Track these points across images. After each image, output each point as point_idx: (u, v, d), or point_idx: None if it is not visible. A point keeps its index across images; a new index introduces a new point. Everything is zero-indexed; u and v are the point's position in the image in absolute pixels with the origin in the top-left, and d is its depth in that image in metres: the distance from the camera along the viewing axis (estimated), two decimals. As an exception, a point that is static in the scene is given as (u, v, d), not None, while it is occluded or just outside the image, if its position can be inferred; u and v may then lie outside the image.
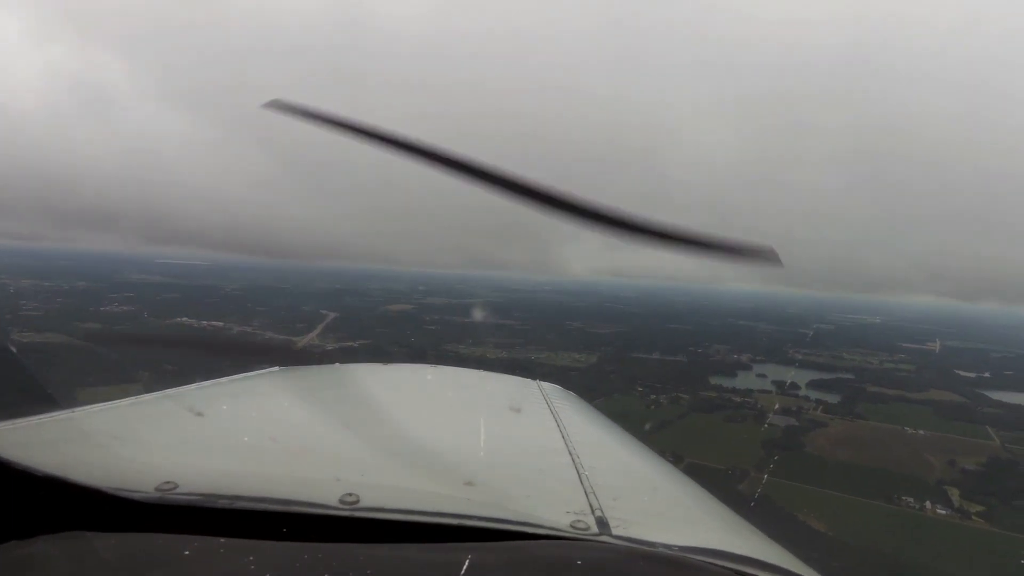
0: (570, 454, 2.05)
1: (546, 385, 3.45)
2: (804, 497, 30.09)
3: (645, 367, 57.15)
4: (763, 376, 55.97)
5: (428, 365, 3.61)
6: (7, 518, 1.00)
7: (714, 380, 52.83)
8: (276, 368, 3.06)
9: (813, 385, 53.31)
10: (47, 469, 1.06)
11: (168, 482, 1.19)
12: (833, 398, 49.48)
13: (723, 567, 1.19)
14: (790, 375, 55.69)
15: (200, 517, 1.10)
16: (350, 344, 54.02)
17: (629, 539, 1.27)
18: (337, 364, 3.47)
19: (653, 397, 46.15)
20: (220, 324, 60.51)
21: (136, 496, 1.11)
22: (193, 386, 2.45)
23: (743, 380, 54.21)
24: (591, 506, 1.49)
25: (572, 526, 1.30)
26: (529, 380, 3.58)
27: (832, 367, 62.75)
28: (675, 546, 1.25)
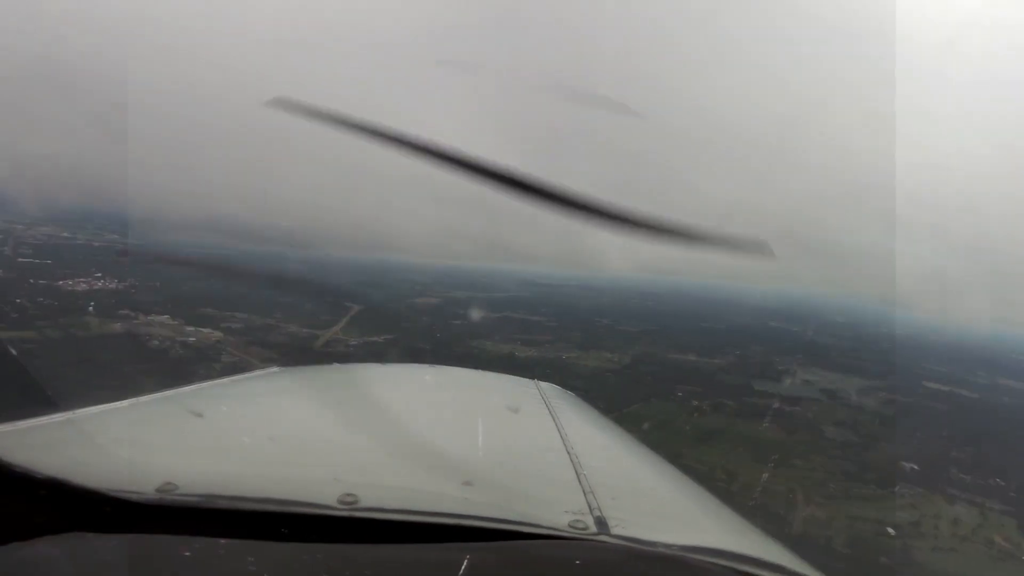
0: (568, 454, 2.05)
1: (544, 385, 3.42)
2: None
3: (682, 369, 53.43)
4: (809, 382, 51.87)
5: (427, 365, 3.59)
6: (8, 520, 1.03)
7: (758, 386, 48.99)
8: (275, 368, 3.12)
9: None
10: (48, 471, 1.08)
11: (168, 483, 1.20)
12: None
13: (722, 566, 1.20)
14: (845, 383, 51.44)
15: (200, 518, 1.12)
16: (375, 339, 51.53)
17: (628, 539, 1.28)
18: (336, 364, 3.64)
19: (695, 403, 42.56)
20: (244, 316, 58.55)
21: (136, 497, 1.13)
22: (192, 387, 2.47)
23: (791, 387, 50.28)
24: (589, 506, 1.49)
25: (571, 526, 1.31)
26: (527, 380, 3.52)
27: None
28: (674, 545, 1.26)
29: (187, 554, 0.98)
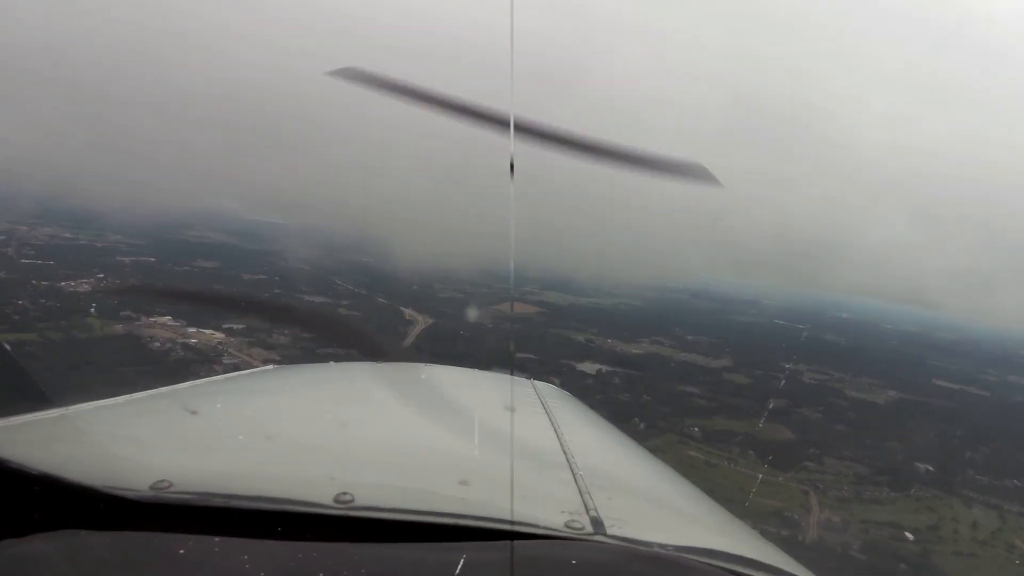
0: (565, 453, 2.05)
1: (541, 384, 3.42)
2: None
3: (687, 368, 52.54)
4: (815, 380, 50.68)
5: (423, 364, 3.58)
6: (1, 517, 1.02)
7: (764, 385, 48.06)
8: (271, 366, 3.07)
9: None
10: (41, 467, 1.08)
11: (163, 481, 1.19)
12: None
13: (718, 567, 1.20)
14: (852, 381, 50.19)
15: (195, 516, 1.12)
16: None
17: (624, 539, 1.28)
18: (331, 363, 3.49)
19: (701, 403, 41.81)
20: (241, 326, 57.66)
21: (130, 495, 1.12)
22: (187, 384, 2.44)
23: (795, 385, 49.26)
24: (586, 505, 1.49)
25: (567, 526, 1.31)
26: (524, 379, 3.50)
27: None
28: (670, 546, 1.27)
29: (181, 552, 0.97)
